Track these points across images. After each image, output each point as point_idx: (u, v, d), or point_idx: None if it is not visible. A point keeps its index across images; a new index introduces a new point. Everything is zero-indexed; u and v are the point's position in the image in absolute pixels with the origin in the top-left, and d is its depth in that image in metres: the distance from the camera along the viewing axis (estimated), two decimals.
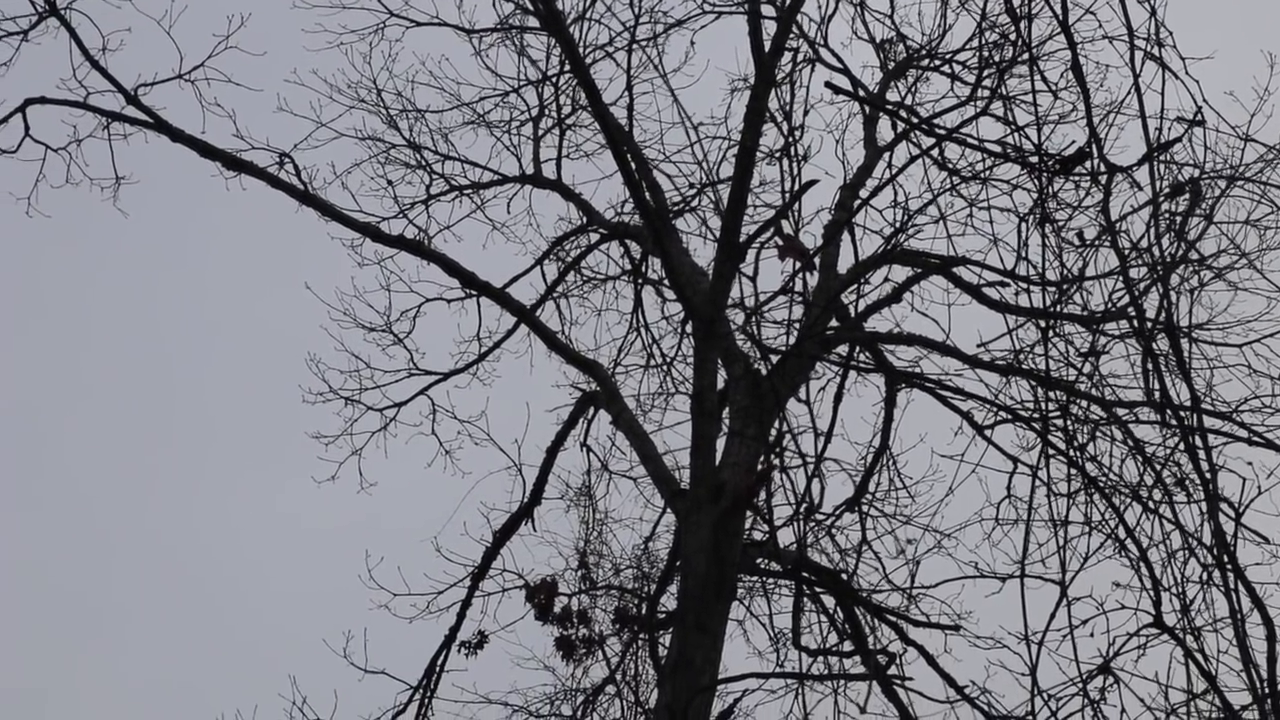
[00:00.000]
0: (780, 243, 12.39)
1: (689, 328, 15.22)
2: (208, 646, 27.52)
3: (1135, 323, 10.13)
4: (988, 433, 13.53)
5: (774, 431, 12.83)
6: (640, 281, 17.08)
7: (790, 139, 11.84)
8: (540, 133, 17.06)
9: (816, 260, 13.71)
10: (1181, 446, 10.53)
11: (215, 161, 15.06)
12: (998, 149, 12.16)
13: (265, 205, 18.49)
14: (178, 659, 27.70)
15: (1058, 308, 11.88)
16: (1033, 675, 9.23)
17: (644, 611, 15.17)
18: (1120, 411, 12.19)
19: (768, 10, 13.19)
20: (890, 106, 14.54)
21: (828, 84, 10.47)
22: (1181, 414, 9.74)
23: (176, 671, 27.35)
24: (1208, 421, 11.23)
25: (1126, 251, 9.48)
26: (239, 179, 15.17)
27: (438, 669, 15.57)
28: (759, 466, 12.39)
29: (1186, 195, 10.75)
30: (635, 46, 16.48)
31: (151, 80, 15.13)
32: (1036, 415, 12.37)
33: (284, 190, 15.18)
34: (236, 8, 15.11)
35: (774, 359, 12.88)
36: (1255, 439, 11.95)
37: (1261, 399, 12.67)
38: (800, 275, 11.94)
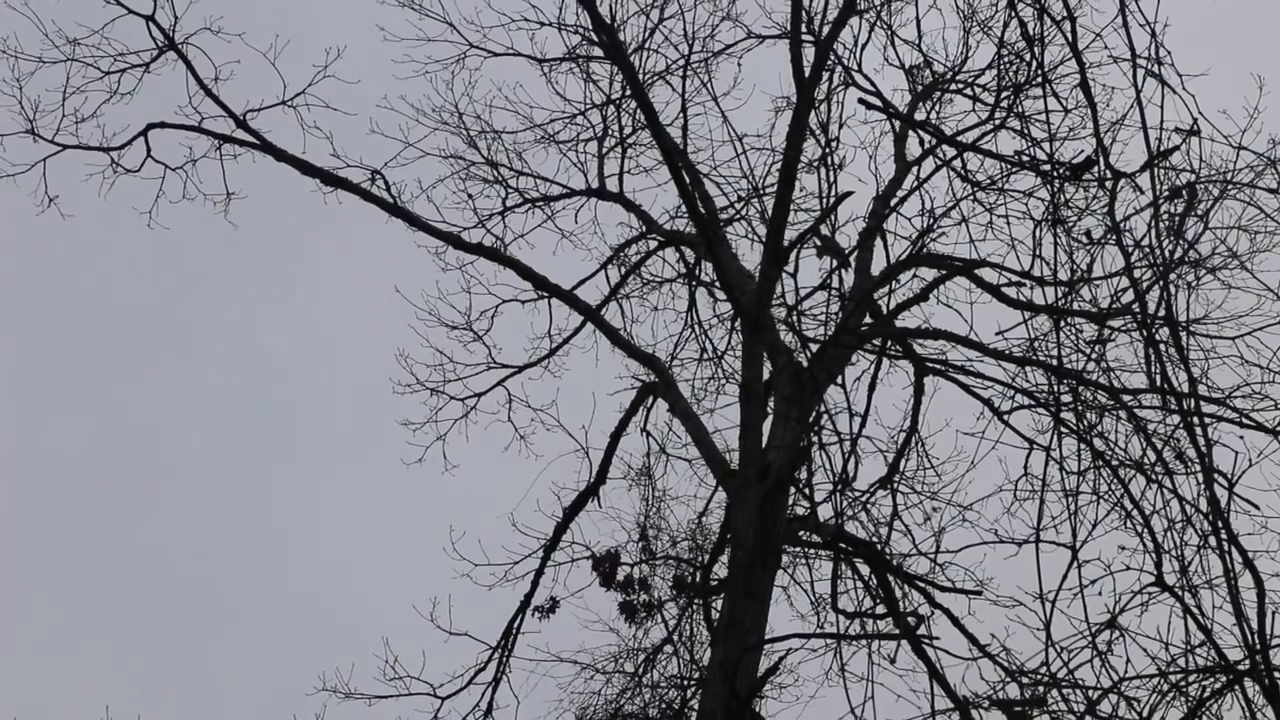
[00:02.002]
0: (819, 243, 12.44)
1: (738, 324, 15.23)
2: (312, 617, 27.69)
3: (1139, 316, 10.11)
4: (1006, 417, 13.55)
5: (814, 414, 12.87)
6: (694, 283, 17.10)
7: (828, 151, 11.86)
8: (604, 150, 17.09)
9: (852, 260, 13.76)
10: (1181, 426, 10.57)
11: (314, 179, 15.23)
12: (1014, 159, 12.18)
13: (359, 217, 18.68)
14: (284, 625, 27.89)
15: (1069, 304, 11.88)
16: (1047, 630, 9.28)
17: (698, 579, 15.19)
18: (1125, 397, 12.20)
19: (807, 38, 13.17)
20: (917, 121, 14.52)
21: (861, 100, 10.54)
22: (1181, 397, 9.78)
23: (283, 636, 27.56)
24: (1204, 406, 11.24)
25: (1130, 250, 9.48)
26: (336, 194, 15.34)
27: (514, 631, 15.64)
28: (801, 443, 12.43)
29: (1184, 198, 10.73)
30: (689, 72, 16.56)
31: (259, 106, 15.41)
32: (1050, 399, 12.39)
33: (376, 204, 15.32)
34: (334, 41, 15.32)
35: (814, 350, 12.92)
36: (1246, 421, 11.95)
37: (1252, 386, 12.67)
38: (837, 272, 11.99)
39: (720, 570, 14.68)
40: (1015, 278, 13.76)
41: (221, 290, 31.85)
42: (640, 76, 15.77)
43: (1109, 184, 9.58)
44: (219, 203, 15.73)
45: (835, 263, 11.99)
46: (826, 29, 13.17)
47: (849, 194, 13.28)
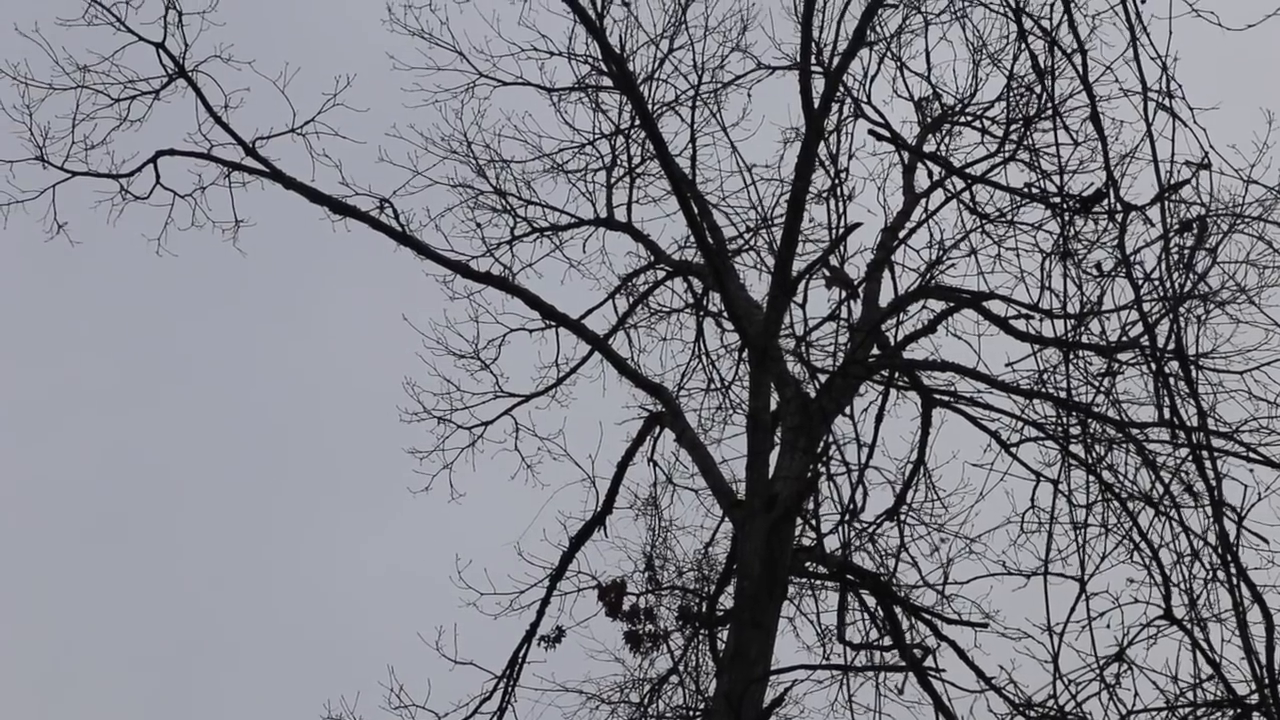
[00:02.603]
0: (828, 274, 12.43)
1: (745, 355, 15.21)
2: (319, 641, 27.66)
3: (1149, 350, 10.12)
4: (1013, 450, 13.53)
5: (821, 445, 12.85)
6: (701, 314, 17.09)
7: (837, 181, 11.86)
8: (613, 180, 17.08)
9: (860, 291, 13.75)
10: (1190, 459, 10.54)
11: (323, 206, 15.22)
12: (1024, 191, 12.19)
13: (367, 245, 18.68)
14: (289, 652, 27.87)
15: (1077, 337, 11.87)
16: (1055, 663, 9.28)
17: (704, 609, 15.13)
18: (1134, 431, 12.18)
19: (816, 69, 13.19)
20: (926, 153, 14.54)
21: (870, 131, 10.55)
22: (1190, 431, 9.76)
23: (288, 663, 27.51)
24: (1212, 440, 11.22)
25: (1140, 282, 9.47)
26: (344, 222, 15.32)
27: (520, 660, 15.58)
28: (808, 473, 12.41)
29: (1194, 231, 10.74)
30: (698, 103, 16.58)
31: (268, 134, 15.35)
32: (1059, 431, 12.37)
33: (384, 231, 15.30)
34: (344, 69, 15.31)
35: (822, 380, 12.91)
36: (1254, 456, 11.94)
37: (1259, 421, 12.65)
38: (846, 303, 11.99)
39: (726, 601, 14.62)
40: (1024, 310, 13.77)
41: (228, 318, 31.92)
42: (649, 106, 15.77)
43: (1119, 217, 9.59)
44: (228, 230, 15.73)
45: (844, 293, 11.99)
46: (836, 60, 13.20)
47: (857, 225, 13.30)
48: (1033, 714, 10.74)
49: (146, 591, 29.01)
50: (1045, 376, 12.59)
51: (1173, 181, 8.95)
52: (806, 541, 13.21)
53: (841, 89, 13.54)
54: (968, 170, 13.71)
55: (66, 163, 15.23)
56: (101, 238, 15.85)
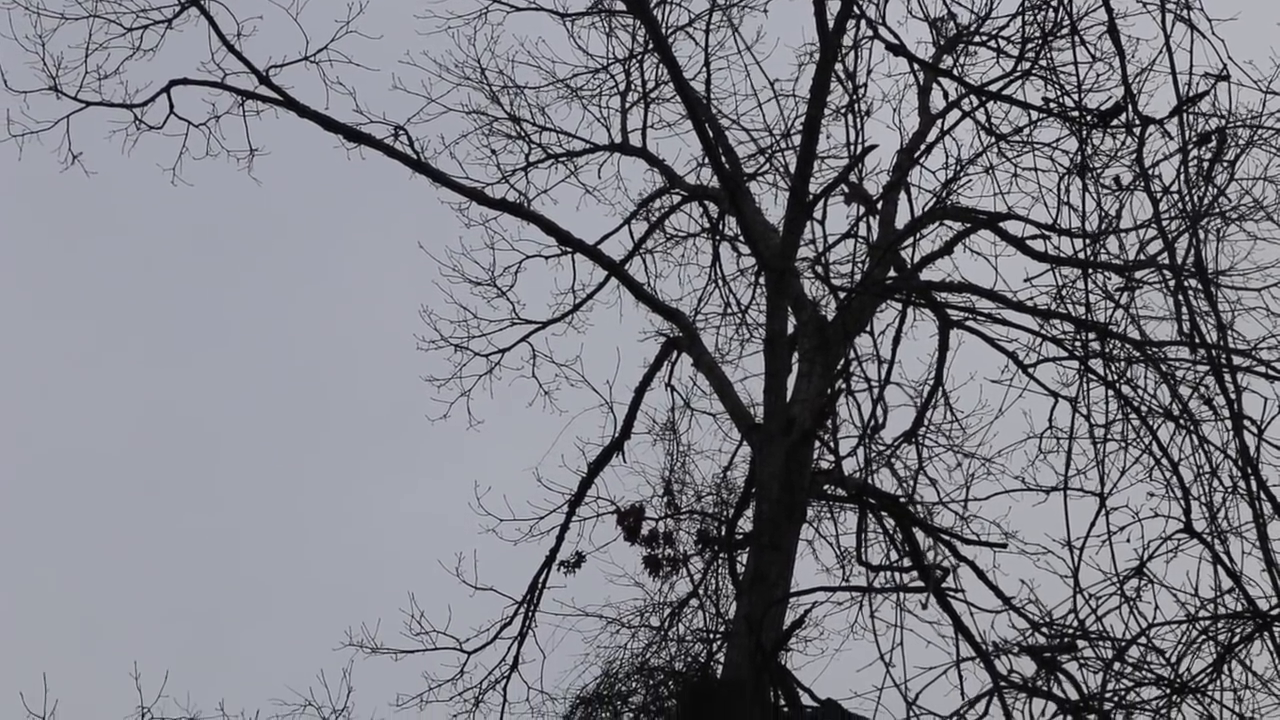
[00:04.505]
0: (847, 190, 12.38)
1: (762, 278, 15.19)
2: (338, 574, 27.80)
3: (1168, 266, 10.08)
4: (1031, 370, 13.52)
5: (841, 363, 12.86)
6: (718, 238, 17.06)
7: (854, 98, 11.79)
8: (627, 105, 17.05)
9: (878, 207, 13.71)
10: (1209, 374, 10.53)
11: (338, 135, 15.18)
12: (1041, 107, 12.12)
13: (382, 173, 18.62)
14: (312, 586, 28.04)
15: (1095, 255, 11.82)
16: (1075, 577, 9.29)
17: (723, 533, 15.19)
18: (1152, 348, 12.15)
19: None
20: (941, 70, 14.44)
21: (887, 45, 10.44)
22: (1210, 348, 9.75)
23: (311, 598, 27.67)
24: (1231, 356, 11.19)
25: (1159, 196, 9.44)
26: (359, 150, 15.28)
27: (540, 586, 15.71)
28: (828, 391, 12.41)
29: (1213, 143, 10.67)
30: (712, 25, 16.51)
31: (281, 62, 15.27)
32: (1078, 348, 12.34)
33: (399, 159, 15.27)
34: None
35: (840, 299, 12.90)
36: (1273, 372, 11.89)
37: (1279, 337, 12.60)
38: (864, 220, 11.95)
39: (745, 524, 14.69)
40: (1041, 230, 13.73)
41: (244, 246, 31.93)
42: (663, 30, 15.72)
43: (1137, 130, 9.53)
44: (242, 159, 15.74)
45: (862, 209, 11.94)
46: None
47: (874, 146, 13.18)
48: (1051, 630, 10.75)
49: (155, 524, 29.11)
50: (1063, 294, 12.55)
51: (1191, 94, 8.91)
52: (825, 464, 13.23)
53: (856, 9, 13.43)
54: (984, 88, 13.61)
55: (80, 93, 15.20)
56: (116, 167, 15.88)
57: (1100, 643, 9.98)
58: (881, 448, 13.96)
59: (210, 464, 30.92)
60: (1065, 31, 12.16)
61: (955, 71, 15.20)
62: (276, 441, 31.47)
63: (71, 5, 14.99)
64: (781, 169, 16.17)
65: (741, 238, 15.74)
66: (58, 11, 15.01)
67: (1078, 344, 12.41)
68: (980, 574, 13.46)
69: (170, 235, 30.41)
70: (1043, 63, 13.53)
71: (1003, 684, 9.69)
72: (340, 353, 32.38)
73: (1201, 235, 9.91)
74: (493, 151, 16.85)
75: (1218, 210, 12.01)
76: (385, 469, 29.75)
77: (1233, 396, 9.00)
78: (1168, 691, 9.60)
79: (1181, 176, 9.14)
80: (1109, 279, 12.13)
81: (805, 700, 11.97)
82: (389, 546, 27.25)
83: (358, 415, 30.93)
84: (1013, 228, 14.09)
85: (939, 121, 15.15)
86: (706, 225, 17.21)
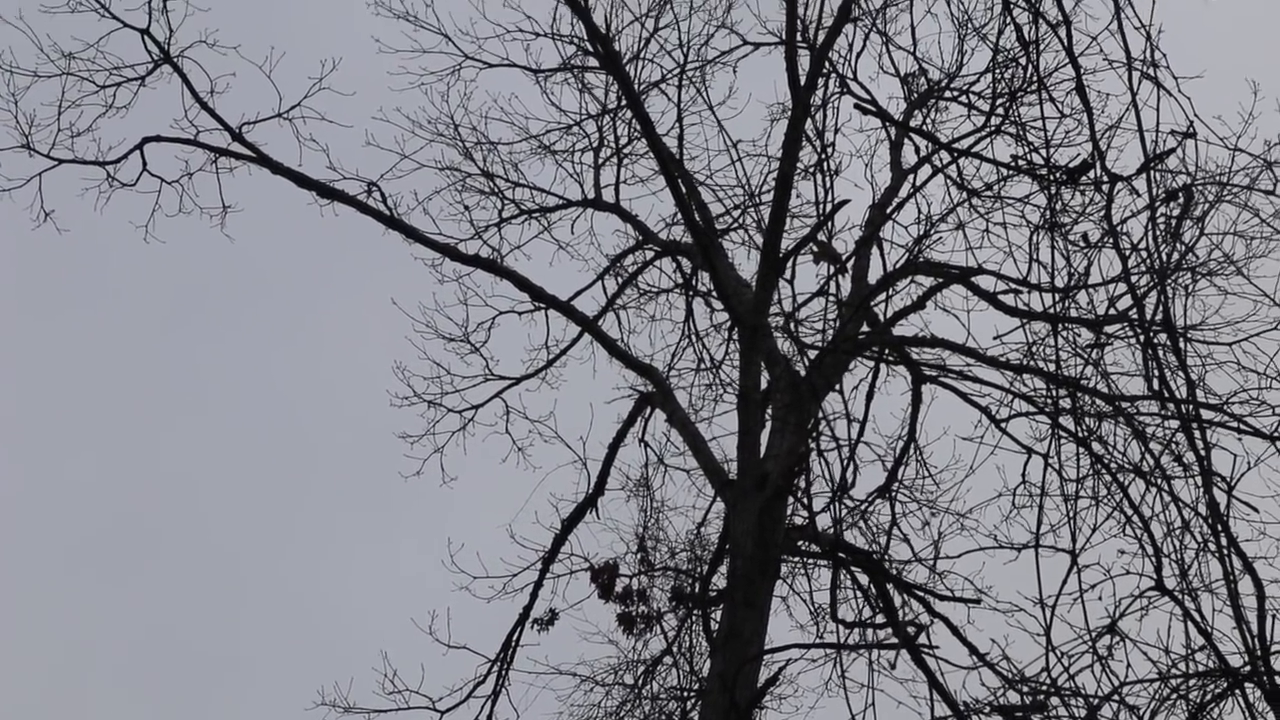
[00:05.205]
0: (816, 248, 12.41)
1: (735, 334, 15.21)
2: (310, 631, 27.68)
3: (1137, 321, 10.13)
4: (1004, 425, 13.53)
5: (812, 421, 12.86)
6: (691, 293, 17.09)
7: (824, 156, 11.85)
8: (600, 161, 17.08)
9: (849, 266, 13.75)
10: (1180, 431, 10.56)
11: (311, 191, 15.21)
12: (1011, 164, 12.18)
13: (355, 230, 18.63)
14: (284, 645, 27.88)
15: (1066, 310, 11.87)
16: (1047, 635, 9.28)
17: (697, 590, 15.15)
18: (1123, 403, 12.18)
19: (802, 46, 13.15)
20: (912, 127, 14.53)
21: (857, 105, 10.53)
22: (1180, 403, 9.78)
23: (283, 655, 27.53)
24: (1202, 412, 11.22)
25: (1128, 253, 9.48)
26: (332, 206, 15.30)
27: (513, 644, 15.62)
28: (799, 450, 12.41)
29: (1180, 200, 10.73)
30: (684, 81, 16.56)
31: (254, 119, 15.34)
32: (1048, 404, 12.37)
33: (372, 215, 15.30)
34: (329, 53, 15.28)
35: (812, 357, 12.91)
36: (1244, 427, 11.92)
37: (1249, 392, 12.63)
38: (834, 278, 11.99)
39: (719, 581, 14.65)
40: (1012, 284, 13.77)
41: (217, 303, 31.87)
42: (636, 86, 15.76)
43: (1106, 187, 9.59)
44: (215, 216, 15.72)
45: (832, 268, 11.98)
46: (821, 37, 13.16)
47: (846, 202, 13.28)
48: (1025, 688, 10.73)
49: (133, 570, 29.02)
50: (1034, 350, 12.60)
51: (1158, 151, 8.96)
52: (798, 520, 13.21)
53: (827, 65, 13.49)
54: (954, 145, 13.68)
55: (53, 150, 15.20)
56: (89, 225, 15.86)
57: (1073, 701, 9.97)
58: (855, 504, 13.97)
59: (181, 523, 30.83)
60: (1034, 88, 12.21)
61: (926, 127, 15.30)
62: (247, 498, 31.37)
63: (45, 63, 15.04)
64: (754, 224, 16.24)
65: (714, 293, 15.78)
66: (30, 69, 15.05)
67: (1048, 401, 12.44)
68: (954, 630, 13.43)
69: (143, 293, 30.37)
70: (1012, 119, 13.61)
71: None
72: (313, 409, 32.29)
73: (1170, 291, 9.97)
74: (466, 207, 16.86)
75: (1186, 266, 12.06)
76: (358, 525, 29.64)
77: (1202, 453, 9.02)
78: None
79: (1150, 233, 9.19)
80: (1079, 335, 12.17)
81: None
82: (361, 604, 27.20)
83: (330, 472, 30.90)
84: (984, 283, 14.13)
85: (910, 177, 15.27)
86: (679, 281, 17.24)
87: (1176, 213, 10.81)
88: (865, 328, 14.21)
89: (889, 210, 14.70)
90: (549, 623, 15.67)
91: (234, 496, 30.95)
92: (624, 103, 16.16)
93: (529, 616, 15.65)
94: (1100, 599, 9.99)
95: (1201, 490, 9.56)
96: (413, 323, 16.22)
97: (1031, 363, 12.82)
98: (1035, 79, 10.94)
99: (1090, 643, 9.73)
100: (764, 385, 13.54)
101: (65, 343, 31.54)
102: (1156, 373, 9.76)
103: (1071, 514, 9.92)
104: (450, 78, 16.57)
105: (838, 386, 13.05)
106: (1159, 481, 10.82)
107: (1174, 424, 11.07)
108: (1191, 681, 9.60)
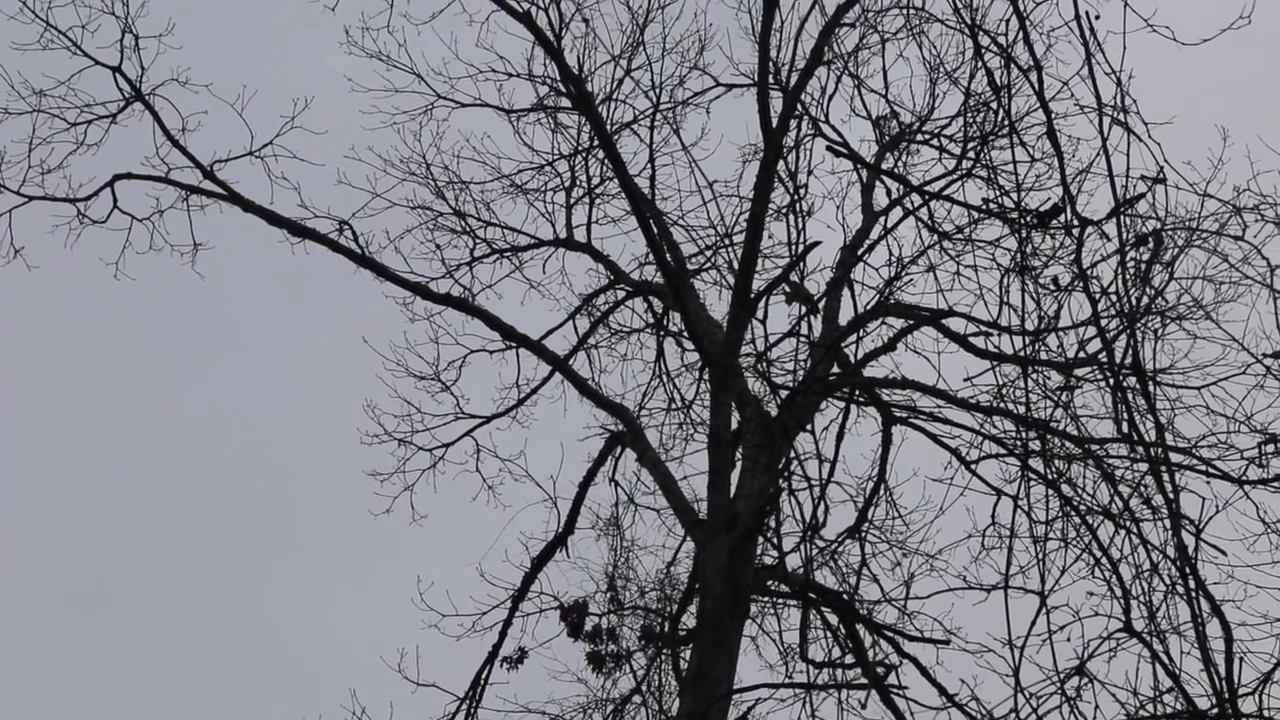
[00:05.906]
0: (788, 289, 12.46)
1: (706, 374, 15.24)
2: (277, 668, 27.58)
3: (1106, 364, 10.18)
4: (974, 467, 13.58)
5: (783, 461, 12.89)
6: (662, 333, 17.14)
7: (796, 198, 11.92)
8: (572, 201, 17.15)
9: (820, 307, 13.80)
10: (1148, 473, 10.61)
11: (282, 229, 15.20)
12: (982, 207, 12.26)
13: (326, 268, 18.63)
14: (251, 681, 27.78)
15: (1036, 352, 11.93)
16: (1016, 676, 9.28)
17: (666, 629, 15.16)
18: (1093, 446, 12.25)
19: (774, 88, 13.25)
20: (884, 170, 14.62)
21: (829, 147, 10.60)
22: (1149, 446, 9.83)
23: (249, 691, 27.40)
24: (1171, 456, 11.29)
25: (1097, 297, 9.54)
26: (303, 244, 15.29)
27: (482, 682, 15.55)
28: (770, 490, 12.43)
29: (1150, 245, 10.81)
30: (657, 122, 16.66)
31: (226, 157, 15.40)
32: (1018, 446, 12.42)
33: (343, 254, 15.30)
34: (301, 92, 15.34)
35: (782, 397, 12.95)
36: (1213, 471, 12.00)
37: (1218, 436, 12.71)
38: (806, 319, 12.03)
39: (689, 620, 14.66)
40: (982, 327, 13.84)
41: (188, 341, 31.86)
42: (608, 127, 15.84)
43: (1076, 231, 9.65)
44: (186, 253, 15.72)
45: (803, 309, 12.03)
46: (794, 79, 13.25)
47: (817, 243, 13.34)
48: None
49: (108, 642, 28.97)
50: (1004, 392, 12.66)
51: (1129, 196, 9.03)
52: (768, 560, 13.22)
53: (800, 107, 13.58)
54: (926, 187, 13.76)
55: (23, 187, 15.22)
56: (59, 262, 15.85)
57: None
58: (825, 544, 14.00)
59: (147, 564, 30.72)
60: (1005, 132, 12.31)
61: (898, 170, 15.40)
62: (215, 537, 31.32)
63: (15, 100, 15.07)
64: (726, 264, 16.30)
65: (686, 334, 15.82)
66: (1, 106, 15.07)
67: (1018, 444, 12.50)
68: (923, 671, 13.44)
69: (113, 331, 30.36)
70: (984, 162, 13.72)
71: None
72: (285, 445, 32.27)
73: (1140, 335, 10.03)
74: (437, 246, 16.93)
75: (1156, 310, 12.15)
76: (327, 563, 29.62)
77: (1171, 496, 9.06)
78: None
79: (1120, 277, 9.24)
80: (1049, 377, 12.23)
81: None
82: (330, 641, 27.08)
83: (299, 510, 30.83)
84: (955, 325, 14.19)
85: (882, 219, 15.35)
86: (651, 321, 17.30)
87: (1146, 257, 10.89)
88: (836, 369, 14.25)
89: (860, 252, 14.76)
90: (518, 661, 15.62)
91: (197, 534, 30.92)
92: (596, 143, 16.23)
93: (498, 654, 15.58)
94: (1069, 640, 10.04)
95: (1170, 533, 9.60)
96: (384, 361, 16.26)
97: (1001, 405, 12.88)
98: (1006, 123, 11.03)
99: (1059, 684, 9.74)
100: (735, 425, 13.58)
101: (36, 383, 31.43)
102: (1126, 416, 9.78)
103: (1040, 555, 9.95)
104: (423, 117, 16.66)
105: (809, 427, 13.09)
106: (1128, 524, 10.88)
107: (1143, 467, 11.16)
108: None
